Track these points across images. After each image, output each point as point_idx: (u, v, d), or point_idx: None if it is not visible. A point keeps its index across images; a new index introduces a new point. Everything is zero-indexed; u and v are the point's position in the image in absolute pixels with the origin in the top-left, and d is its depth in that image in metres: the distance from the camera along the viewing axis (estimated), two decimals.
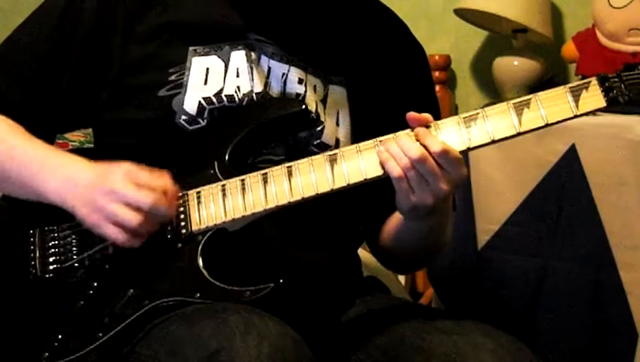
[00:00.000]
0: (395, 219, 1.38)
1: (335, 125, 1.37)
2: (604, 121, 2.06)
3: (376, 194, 1.32)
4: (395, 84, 1.42)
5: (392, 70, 1.43)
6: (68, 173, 1.26)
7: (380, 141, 1.21)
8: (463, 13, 2.72)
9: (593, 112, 1.20)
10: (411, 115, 1.21)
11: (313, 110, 1.35)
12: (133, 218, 1.20)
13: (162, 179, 1.23)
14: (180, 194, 1.27)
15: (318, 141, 1.35)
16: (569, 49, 2.54)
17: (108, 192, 1.21)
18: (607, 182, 2.04)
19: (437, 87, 2.75)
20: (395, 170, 1.19)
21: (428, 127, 1.21)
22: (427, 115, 1.22)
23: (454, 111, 2.80)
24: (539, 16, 2.59)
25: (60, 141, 2.11)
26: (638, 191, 2.00)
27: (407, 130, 1.22)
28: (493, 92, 2.77)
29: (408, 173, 1.18)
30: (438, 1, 2.90)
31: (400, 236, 1.38)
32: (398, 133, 1.21)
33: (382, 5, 1.50)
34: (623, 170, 2.02)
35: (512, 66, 2.66)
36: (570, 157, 2.08)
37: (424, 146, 1.18)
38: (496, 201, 2.19)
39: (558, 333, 2.12)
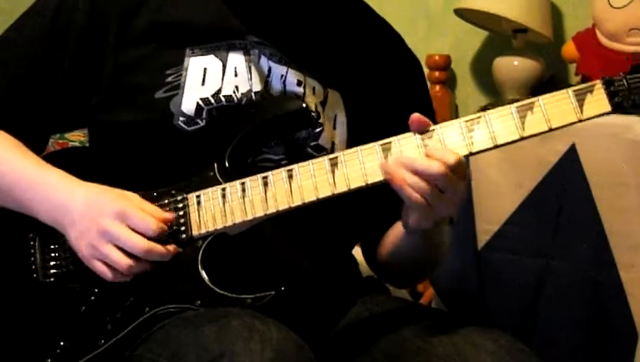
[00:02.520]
0: (394, 235, 1.37)
1: (332, 128, 1.37)
2: (604, 121, 2.03)
3: (374, 207, 1.31)
4: (390, 94, 1.42)
5: (387, 80, 1.42)
6: (60, 199, 1.25)
7: (382, 145, 1.20)
8: (463, 13, 2.72)
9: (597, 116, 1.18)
10: (415, 116, 1.19)
11: (313, 110, 1.34)
12: (124, 262, 1.19)
13: (156, 220, 1.21)
14: (180, 198, 1.26)
15: (315, 143, 1.34)
16: (569, 49, 2.54)
17: (102, 232, 1.20)
18: (607, 182, 2.04)
19: (437, 87, 2.76)
20: (414, 196, 1.16)
21: (427, 131, 1.19)
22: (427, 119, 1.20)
23: (454, 111, 2.80)
24: (539, 16, 2.59)
25: (60, 141, 2.11)
26: (638, 191, 2.00)
27: (408, 138, 1.20)
28: (494, 92, 2.77)
29: (427, 194, 1.16)
30: (438, 1, 2.90)
31: (401, 251, 1.36)
32: (402, 153, 1.18)
33: (378, 17, 1.49)
34: (622, 170, 2.02)
35: (512, 66, 2.66)
36: (571, 157, 2.08)
37: (438, 160, 1.15)
38: (496, 201, 2.19)
39: (558, 333, 2.12)
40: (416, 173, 1.15)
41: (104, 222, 1.20)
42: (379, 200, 1.25)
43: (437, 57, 2.77)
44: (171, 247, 1.22)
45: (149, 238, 1.20)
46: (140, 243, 1.19)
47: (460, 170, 1.16)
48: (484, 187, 2.20)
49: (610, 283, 2.04)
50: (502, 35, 2.77)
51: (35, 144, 1.36)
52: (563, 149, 2.09)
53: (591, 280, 2.07)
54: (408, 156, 1.17)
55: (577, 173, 2.07)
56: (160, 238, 1.21)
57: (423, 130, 1.19)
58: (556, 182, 2.11)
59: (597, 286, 2.06)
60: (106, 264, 1.21)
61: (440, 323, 1.28)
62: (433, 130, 1.19)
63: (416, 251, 1.34)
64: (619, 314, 2.04)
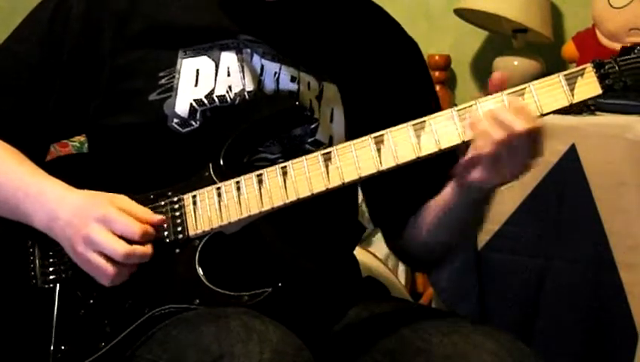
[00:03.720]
0: (441, 201, 1.33)
1: (329, 122, 1.36)
2: (604, 121, 2.06)
3: (403, 187, 1.30)
4: (390, 82, 1.41)
5: (386, 68, 1.42)
6: (50, 207, 1.25)
7: (374, 137, 1.20)
8: (463, 13, 2.73)
9: (591, 102, 1.18)
10: (495, 76, 1.20)
11: (308, 107, 1.34)
12: (110, 268, 1.19)
13: (139, 223, 1.20)
14: (176, 198, 1.26)
15: (312, 139, 1.34)
16: (569, 49, 2.55)
17: (84, 239, 1.20)
18: (607, 183, 2.04)
19: (437, 87, 2.74)
20: (491, 146, 1.15)
21: (420, 122, 1.18)
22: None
23: None
24: (539, 16, 2.59)
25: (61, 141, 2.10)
26: (637, 191, 2.00)
27: (400, 129, 1.19)
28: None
29: (505, 148, 1.15)
30: (438, 1, 2.90)
31: (449, 216, 1.33)
32: (489, 102, 1.18)
33: (374, 4, 1.49)
34: (622, 170, 2.02)
35: (512, 66, 2.66)
36: (570, 157, 2.08)
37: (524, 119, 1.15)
38: (496, 201, 2.18)
39: (558, 333, 2.12)
40: (501, 125, 1.15)
41: (87, 228, 1.20)
42: (407, 183, 1.24)
43: (437, 57, 2.77)
44: (149, 248, 1.21)
45: (135, 242, 1.20)
46: (119, 249, 1.18)
47: (538, 137, 1.16)
48: None
49: (610, 283, 2.04)
50: (502, 35, 2.78)
51: (35, 152, 1.36)
52: (563, 149, 2.09)
53: (591, 280, 2.07)
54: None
55: (577, 173, 2.07)
56: (148, 241, 1.21)
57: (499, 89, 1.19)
58: (556, 182, 2.11)
59: (597, 286, 2.07)
60: (94, 270, 1.21)
61: (440, 323, 1.28)
62: (425, 120, 1.19)
63: (464, 216, 1.32)
64: (619, 314, 2.04)
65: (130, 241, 1.20)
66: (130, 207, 1.23)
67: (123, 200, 1.24)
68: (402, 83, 1.42)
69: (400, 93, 1.39)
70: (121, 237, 1.19)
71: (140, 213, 1.23)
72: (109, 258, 1.19)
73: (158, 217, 1.24)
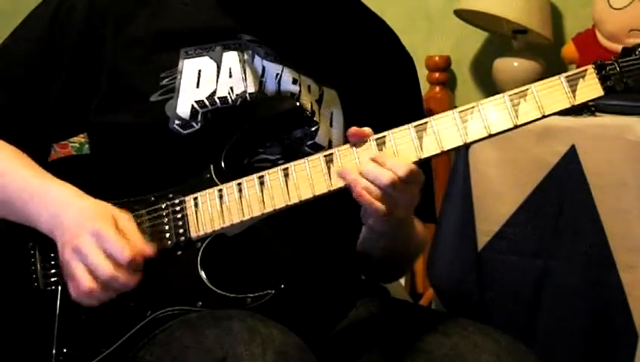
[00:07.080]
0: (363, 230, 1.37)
1: (329, 126, 1.37)
2: (604, 122, 2.06)
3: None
4: (383, 91, 1.42)
5: (381, 77, 1.43)
6: (56, 210, 1.24)
7: (376, 139, 1.20)
8: (463, 14, 2.73)
9: (591, 103, 1.18)
10: (352, 130, 1.20)
11: (308, 109, 1.35)
12: (87, 283, 1.17)
13: (131, 250, 1.17)
14: (177, 200, 1.26)
15: (312, 142, 1.34)
16: (569, 50, 2.55)
17: (75, 249, 1.18)
18: (607, 183, 2.04)
19: (437, 88, 2.76)
20: (374, 204, 1.16)
21: (422, 123, 1.19)
22: (366, 129, 1.20)
23: None
24: (539, 17, 2.59)
25: (61, 142, 2.10)
26: (637, 192, 2.00)
27: (402, 130, 1.20)
28: (493, 93, 2.74)
29: (381, 199, 1.16)
30: (438, 1, 2.90)
31: (367, 245, 1.37)
32: (362, 162, 1.19)
33: (373, 14, 1.49)
34: (622, 171, 2.02)
35: (512, 67, 2.66)
36: (570, 158, 2.08)
37: (389, 169, 1.16)
38: (496, 203, 2.19)
39: (558, 334, 2.12)
40: (368, 179, 1.16)
41: (79, 239, 1.18)
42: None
43: (437, 58, 2.77)
44: (136, 278, 1.18)
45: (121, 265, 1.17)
46: (104, 269, 1.16)
47: (413, 178, 1.17)
48: (484, 188, 2.20)
49: (610, 284, 2.04)
50: (502, 36, 2.78)
51: (37, 152, 1.36)
52: (563, 150, 2.09)
53: (591, 281, 2.07)
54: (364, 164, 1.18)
55: (577, 174, 2.07)
56: (134, 268, 1.18)
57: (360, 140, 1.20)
58: (556, 183, 2.11)
59: (597, 287, 2.07)
60: (73, 282, 1.19)
61: (440, 324, 1.28)
62: (427, 122, 1.19)
63: (382, 245, 1.34)
64: (619, 315, 2.04)
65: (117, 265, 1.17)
66: (129, 231, 1.20)
67: (126, 220, 1.22)
68: (396, 92, 1.43)
69: (392, 103, 1.40)
70: (109, 257, 1.17)
71: (137, 240, 1.20)
72: (91, 273, 1.17)
73: (151, 250, 1.21)
